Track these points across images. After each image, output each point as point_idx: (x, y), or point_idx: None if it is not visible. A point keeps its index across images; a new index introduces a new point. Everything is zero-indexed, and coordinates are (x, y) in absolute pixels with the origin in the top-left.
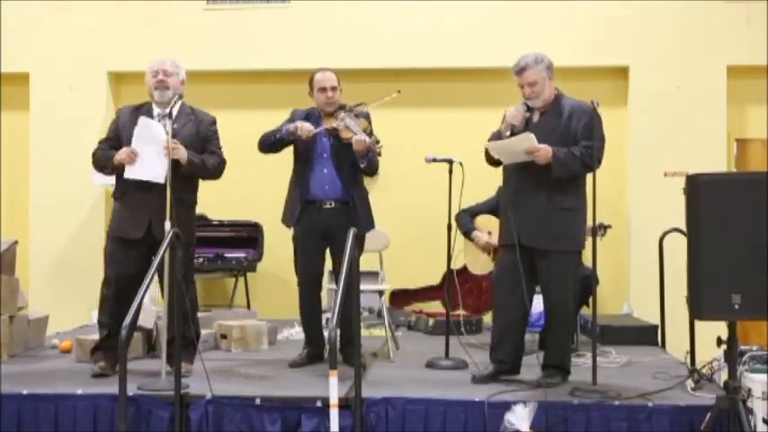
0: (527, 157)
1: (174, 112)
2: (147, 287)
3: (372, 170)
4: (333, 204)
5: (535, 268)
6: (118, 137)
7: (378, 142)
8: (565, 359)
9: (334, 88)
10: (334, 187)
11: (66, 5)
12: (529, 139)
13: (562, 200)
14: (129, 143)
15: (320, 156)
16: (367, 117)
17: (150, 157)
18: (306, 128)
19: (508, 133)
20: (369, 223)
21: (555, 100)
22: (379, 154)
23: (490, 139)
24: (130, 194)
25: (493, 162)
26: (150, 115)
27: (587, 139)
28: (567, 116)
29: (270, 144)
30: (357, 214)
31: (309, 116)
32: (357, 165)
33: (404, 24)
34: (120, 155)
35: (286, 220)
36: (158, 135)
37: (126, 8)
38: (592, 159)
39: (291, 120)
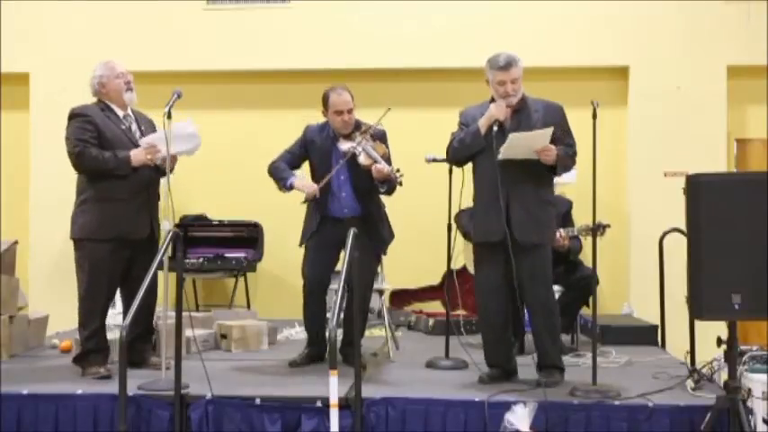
0: (532, 154)
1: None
2: (149, 286)
3: (390, 193)
4: (352, 218)
5: (510, 266)
6: (99, 137)
7: (398, 171)
8: (559, 357)
9: (350, 111)
10: (352, 208)
11: (67, 5)
12: (545, 137)
13: (545, 193)
14: (106, 140)
15: (338, 178)
16: (383, 136)
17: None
18: (312, 192)
19: (496, 128)
20: (389, 235)
21: (523, 99)
22: (400, 183)
23: (454, 141)
24: (134, 195)
25: (456, 161)
26: (116, 115)
27: (566, 135)
28: (542, 114)
29: (276, 184)
30: (376, 229)
31: (324, 135)
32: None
33: (404, 24)
34: (141, 156)
35: (304, 237)
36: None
37: (126, 8)
38: (575, 156)
39: (303, 141)
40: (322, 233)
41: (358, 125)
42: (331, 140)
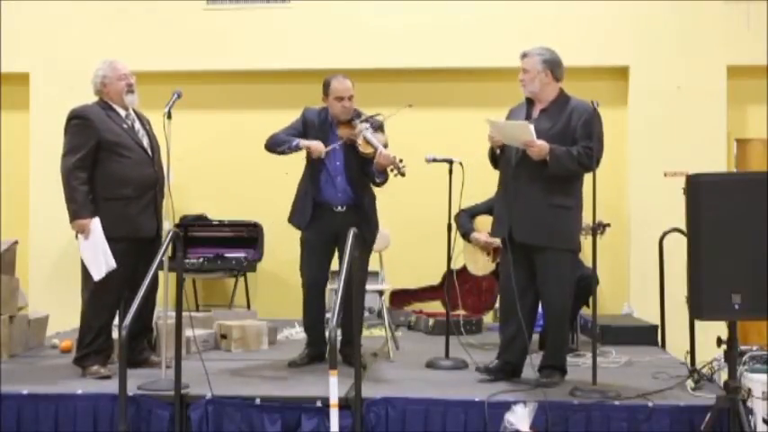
0: (524, 146)
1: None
2: (149, 286)
3: (384, 184)
4: (344, 208)
5: (525, 265)
6: (99, 139)
7: (401, 161)
8: (562, 359)
9: (350, 97)
10: (346, 194)
11: (66, 5)
12: (526, 131)
13: (558, 197)
14: (108, 141)
15: (333, 164)
16: (381, 128)
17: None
18: (319, 149)
19: (498, 151)
20: (377, 226)
21: (558, 100)
22: (403, 174)
23: (490, 156)
24: (141, 193)
25: (497, 163)
26: (117, 114)
27: (586, 137)
28: (567, 114)
29: (279, 152)
30: (368, 217)
31: (321, 118)
32: (366, 171)
33: (404, 24)
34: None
35: (296, 219)
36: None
37: (126, 8)
38: (590, 160)
39: (303, 120)
40: (317, 228)
41: (357, 114)
42: (329, 125)
